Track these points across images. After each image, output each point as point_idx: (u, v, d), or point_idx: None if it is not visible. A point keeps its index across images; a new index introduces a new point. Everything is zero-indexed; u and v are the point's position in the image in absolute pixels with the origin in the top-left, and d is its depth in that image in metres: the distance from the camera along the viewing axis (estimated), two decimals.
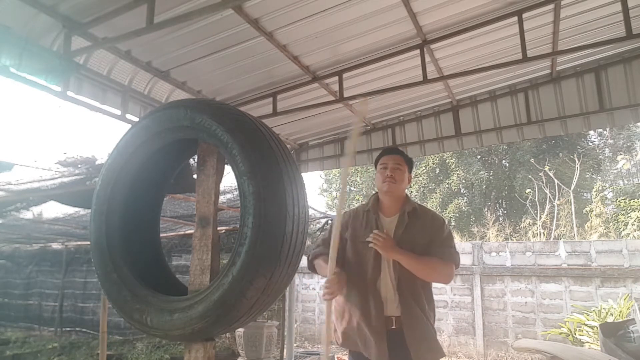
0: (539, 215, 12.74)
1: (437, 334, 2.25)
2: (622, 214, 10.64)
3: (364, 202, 2.43)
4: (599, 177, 15.51)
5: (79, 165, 3.72)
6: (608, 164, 16.00)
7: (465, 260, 8.33)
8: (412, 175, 2.38)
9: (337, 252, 1.99)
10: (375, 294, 2.10)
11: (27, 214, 5.42)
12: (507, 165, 15.77)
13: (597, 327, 5.30)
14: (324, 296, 2.03)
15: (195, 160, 1.75)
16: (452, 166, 15.23)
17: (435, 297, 2.24)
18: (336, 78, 4.00)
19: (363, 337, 2.10)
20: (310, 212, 5.40)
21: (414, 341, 2.03)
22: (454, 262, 2.13)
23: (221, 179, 1.73)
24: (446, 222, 2.27)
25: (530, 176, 13.67)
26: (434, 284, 2.26)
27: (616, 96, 4.18)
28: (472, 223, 14.37)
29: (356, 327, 2.12)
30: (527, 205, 13.37)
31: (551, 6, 3.35)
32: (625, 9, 3.20)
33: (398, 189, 2.20)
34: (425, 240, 2.14)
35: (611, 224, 11.13)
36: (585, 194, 14.71)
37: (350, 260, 2.21)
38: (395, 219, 2.20)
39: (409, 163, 2.32)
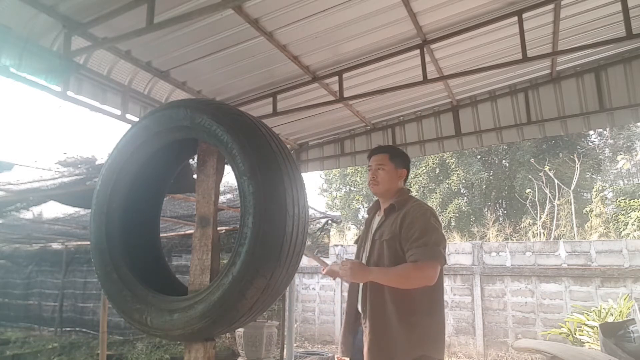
0: (539, 215, 12.74)
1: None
2: (622, 214, 10.65)
3: None
4: (599, 177, 15.52)
5: (79, 165, 3.72)
6: (608, 164, 16.00)
7: (465, 260, 8.34)
8: (411, 174, 2.37)
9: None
10: (358, 292, 2.18)
11: (27, 214, 5.43)
12: (507, 165, 15.78)
13: (597, 327, 5.30)
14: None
15: (195, 160, 1.75)
16: (452, 166, 15.23)
17: None
18: (336, 78, 4.00)
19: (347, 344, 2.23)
20: (310, 212, 5.40)
21: (370, 343, 2.01)
22: (434, 259, 1.91)
23: (221, 179, 1.73)
24: (426, 214, 2.03)
25: (530, 176, 13.67)
26: None
27: (616, 96, 4.18)
28: (472, 223, 14.37)
29: (343, 327, 2.26)
30: (527, 205, 13.37)
31: (551, 6, 3.35)
32: (625, 9, 3.20)
33: (381, 189, 2.21)
34: (390, 236, 2.03)
35: (611, 224, 11.13)
36: (585, 194, 14.71)
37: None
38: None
39: (398, 159, 2.24)
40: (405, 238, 1.98)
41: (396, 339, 1.95)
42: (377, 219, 2.25)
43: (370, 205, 2.41)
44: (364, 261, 2.16)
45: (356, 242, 2.41)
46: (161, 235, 2.24)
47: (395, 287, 1.96)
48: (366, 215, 2.43)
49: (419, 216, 2.02)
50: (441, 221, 2.28)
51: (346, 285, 2.41)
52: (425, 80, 3.75)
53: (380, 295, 2.01)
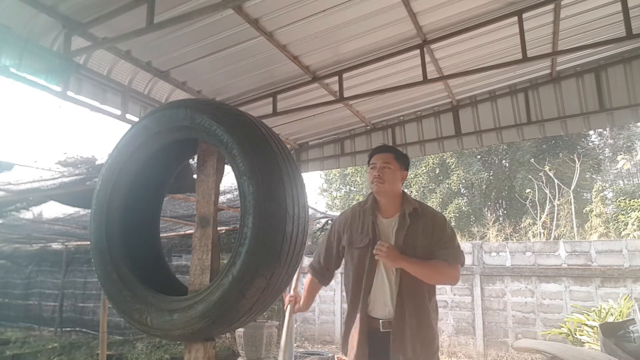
0: (539, 215, 12.74)
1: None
2: (622, 214, 10.65)
3: (361, 201, 2.38)
4: (599, 177, 15.52)
5: (79, 165, 3.72)
6: (608, 164, 16.00)
7: (465, 260, 8.33)
8: (411, 174, 2.34)
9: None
10: (368, 298, 2.11)
11: (27, 214, 5.43)
12: (507, 165, 15.78)
13: (597, 327, 5.30)
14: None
15: (195, 160, 1.75)
16: (452, 166, 15.23)
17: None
18: (336, 78, 4.00)
19: (352, 340, 2.11)
20: (310, 212, 5.40)
21: (400, 345, 2.00)
22: (460, 261, 2.12)
23: (221, 179, 1.73)
24: (447, 220, 2.23)
25: (530, 176, 13.68)
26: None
27: (616, 96, 4.18)
28: (472, 223, 14.37)
29: (351, 331, 2.15)
30: (527, 205, 13.38)
31: (551, 6, 3.35)
32: (625, 9, 3.20)
33: (387, 189, 2.14)
34: (427, 242, 2.09)
35: (611, 224, 11.13)
36: (585, 194, 14.71)
37: (349, 266, 2.21)
38: (394, 220, 2.15)
39: (402, 160, 2.22)
40: (436, 241, 2.10)
41: (419, 338, 2.03)
42: (386, 221, 2.16)
43: (367, 202, 2.24)
44: (380, 267, 2.12)
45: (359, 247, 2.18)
46: (161, 235, 2.24)
47: (422, 278, 2.04)
48: (367, 217, 2.21)
49: (445, 221, 2.20)
50: None
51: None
52: (425, 80, 3.75)
53: (420, 299, 2.07)
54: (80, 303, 9.79)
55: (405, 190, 2.29)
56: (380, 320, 2.07)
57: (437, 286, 2.25)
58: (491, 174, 15.56)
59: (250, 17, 3.07)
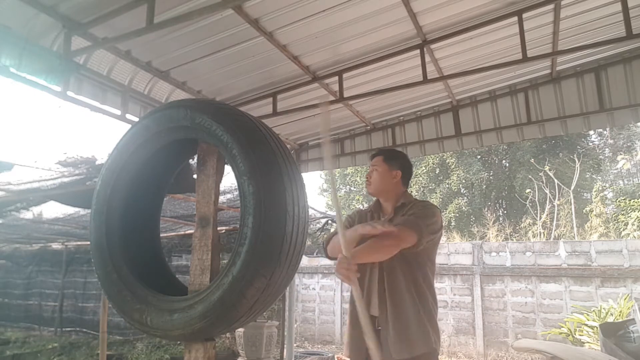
0: (539, 215, 12.74)
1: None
2: (622, 214, 10.65)
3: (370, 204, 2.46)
4: (599, 177, 15.53)
5: (79, 165, 3.72)
6: (608, 164, 16.01)
7: (465, 260, 8.34)
8: (406, 172, 2.30)
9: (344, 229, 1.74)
10: (365, 294, 2.11)
11: (27, 214, 5.43)
12: (507, 165, 15.78)
13: (597, 327, 5.30)
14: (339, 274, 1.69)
15: (195, 160, 1.76)
16: (452, 166, 15.24)
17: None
18: (336, 78, 4.00)
19: (353, 340, 2.11)
20: (310, 212, 5.39)
21: (392, 339, 1.99)
22: (413, 227, 1.87)
23: (221, 179, 1.73)
24: (428, 203, 2.17)
25: (530, 176, 13.68)
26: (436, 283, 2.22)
27: (616, 96, 4.17)
28: (472, 223, 14.38)
29: (350, 331, 2.15)
30: (527, 205, 13.38)
31: (551, 6, 3.35)
32: (625, 9, 3.19)
33: (373, 189, 2.24)
34: None
35: (611, 224, 11.14)
36: (585, 194, 14.72)
37: None
38: (387, 219, 2.20)
39: (391, 160, 2.26)
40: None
41: (415, 334, 2.00)
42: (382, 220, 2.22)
43: (370, 206, 2.37)
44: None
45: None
46: (161, 235, 2.24)
47: (377, 257, 1.89)
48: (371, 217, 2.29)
49: (421, 202, 2.17)
50: (442, 219, 2.28)
51: (346, 285, 2.34)
52: (425, 80, 3.75)
53: (399, 294, 2.03)
54: (80, 303, 9.80)
55: (407, 190, 2.31)
56: (376, 318, 2.08)
57: (437, 286, 2.23)
58: (491, 174, 15.56)
59: (250, 17, 3.07)
